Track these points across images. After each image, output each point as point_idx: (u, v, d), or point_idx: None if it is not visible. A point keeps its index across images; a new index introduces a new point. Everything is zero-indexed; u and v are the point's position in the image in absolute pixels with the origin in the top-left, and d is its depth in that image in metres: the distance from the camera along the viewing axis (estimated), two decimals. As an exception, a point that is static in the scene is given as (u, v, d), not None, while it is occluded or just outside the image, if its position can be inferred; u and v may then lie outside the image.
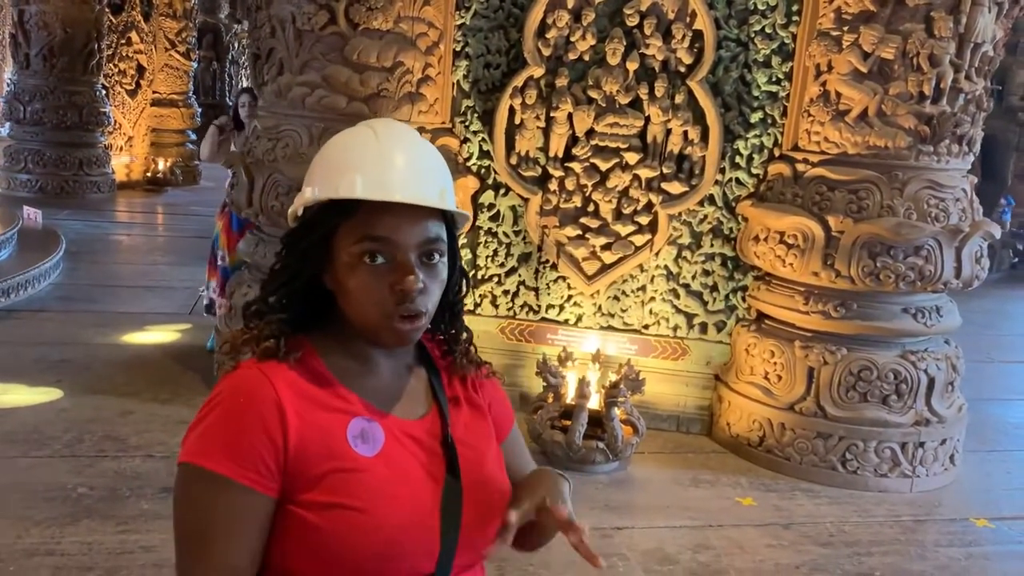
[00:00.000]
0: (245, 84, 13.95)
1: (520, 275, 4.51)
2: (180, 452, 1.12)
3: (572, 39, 4.22)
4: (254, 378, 1.14)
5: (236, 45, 16.31)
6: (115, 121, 11.77)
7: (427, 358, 1.32)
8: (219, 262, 5.09)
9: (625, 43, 4.18)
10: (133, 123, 12.64)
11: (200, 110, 13.51)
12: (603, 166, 4.30)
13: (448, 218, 1.23)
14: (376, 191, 1.13)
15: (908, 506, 3.88)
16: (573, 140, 4.32)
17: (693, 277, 4.43)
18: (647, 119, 4.25)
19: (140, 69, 12.58)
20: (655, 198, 4.32)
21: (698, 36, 4.17)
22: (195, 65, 13.86)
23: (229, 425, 1.12)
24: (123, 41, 12.17)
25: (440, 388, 1.29)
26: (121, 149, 12.31)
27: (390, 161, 1.16)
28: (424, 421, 1.24)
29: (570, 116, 4.27)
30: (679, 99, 4.20)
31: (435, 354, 1.33)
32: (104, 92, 11.20)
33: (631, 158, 4.28)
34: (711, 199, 4.34)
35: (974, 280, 4.04)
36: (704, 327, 4.47)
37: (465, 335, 1.34)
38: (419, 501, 1.17)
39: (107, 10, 11.24)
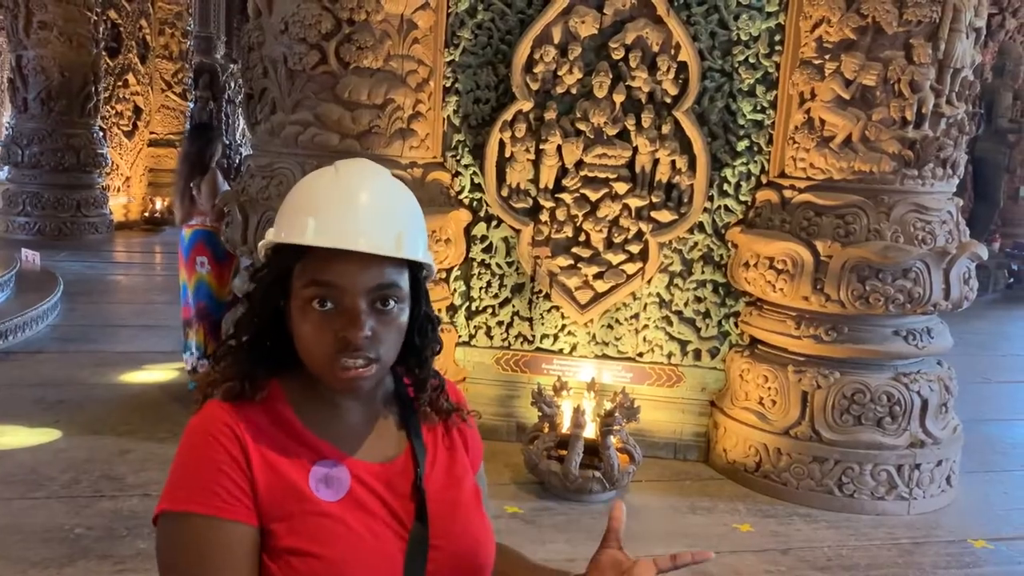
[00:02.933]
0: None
1: (514, 306, 4.55)
2: (157, 506, 1.12)
3: (559, 73, 4.29)
4: (214, 414, 1.15)
5: (232, 85, 16.47)
6: (112, 162, 11.86)
7: (405, 397, 1.29)
8: (194, 301, 5.09)
9: (611, 76, 4.25)
10: (130, 164, 12.75)
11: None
12: (593, 196, 4.35)
13: (415, 263, 1.20)
14: (325, 237, 1.11)
15: (906, 528, 3.88)
16: (563, 172, 4.38)
17: (685, 304, 4.46)
18: (635, 150, 4.31)
19: (137, 110, 12.73)
20: (645, 227, 4.37)
21: (683, 67, 4.24)
22: (192, 105, 14.00)
23: (191, 462, 1.12)
24: (120, 83, 12.31)
25: (415, 428, 1.26)
26: (119, 190, 12.40)
27: (345, 205, 1.13)
28: (395, 464, 1.22)
29: (559, 148, 4.33)
30: (666, 129, 4.26)
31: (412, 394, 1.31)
32: (101, 134, 11.31)
33: (620, 188, 4.33)
34: (700, 227, 4.39)
35: (963, 301, 4.07)
36: (698, 353, 4.49)
37: (435, 382, 1.29)
38: (382, 548, 1.14)
39: (104, 53, 11.38)
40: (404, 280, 1.18)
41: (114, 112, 12.27)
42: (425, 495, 1.20)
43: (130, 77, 12.47)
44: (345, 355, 1.12)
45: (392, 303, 1.16)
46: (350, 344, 1.11)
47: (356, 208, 1.14)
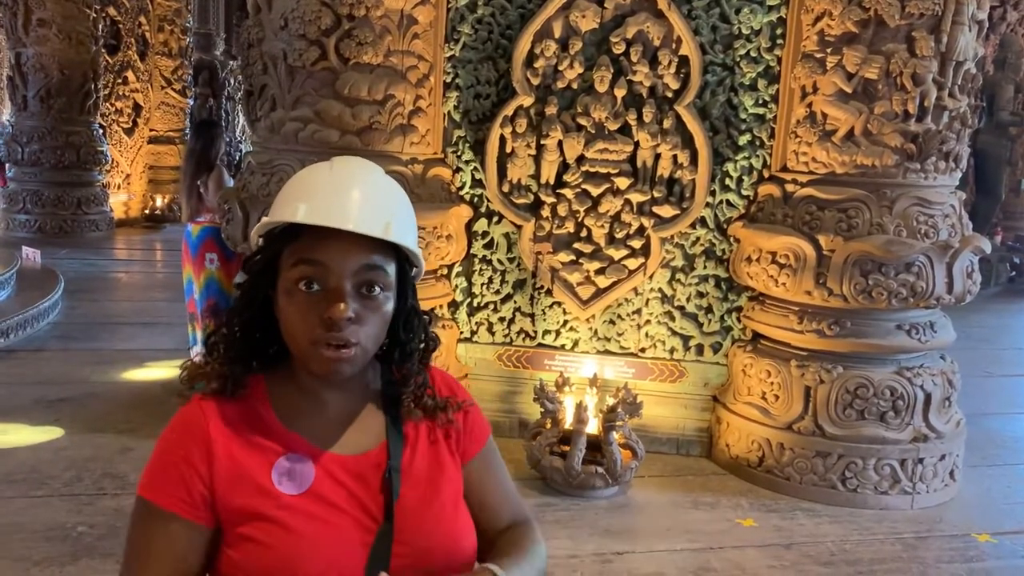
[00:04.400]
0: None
1: (516, 302, 4.54)
2: None
3: (560, 68, 4.28)
4: (192, 413, 1.21)
5: (232, 81, 16.46)
6: (112, 159, 11.85)
7: (390, 392, 1.30)
8: (205, 298, 5.08)
9: (612, 70, 4.23)
10: (131, 161, 12.75)
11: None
12: (594, 191, 4.34)
13: (403, 257, 1.22)
14: (315, 217, 1.14)
15: (909, 523, 3.87)
16: (564, 167, 4.36)
17: (687, 299, 4.45)
18: (636, 144, 4.29)
19: (137, 107, 12.73)
20: (647, 222, 4.36)
21: (684, 62, 4.22)
22: (191, 102, 13.99)
23: (163, 457, 1.19)
24: (119, 80, 12.31)
25: (395, 422, 1.27)
26: (119, 187, 12.41)
27: (337, 191, 1.17)
28: (368, 456, 1.23)
29: (560, 143, 4.32)
30: (667, 124, 4.25)
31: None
32: (101, 131, 11.30)
33: (622, 183, 4.32)
34: (703, 221, 4.38)
35: (966, 295, 4.05)
36: (700, 349, 4.48)
37: (420, 379, 1.30)
38: (343, 541, 1.16)
39: (103, 51, 11.37)
40: (391, 268, 1.20)
41: (114, 109, 12.27)
42: (394, 489, 1.20)
43: (129, 74, 12.47)
44: (328, 336, 1.15)
45: (377, 289, 1.18)
46: (334, 324, 1.14)
47: (345, 195, 1.17)
